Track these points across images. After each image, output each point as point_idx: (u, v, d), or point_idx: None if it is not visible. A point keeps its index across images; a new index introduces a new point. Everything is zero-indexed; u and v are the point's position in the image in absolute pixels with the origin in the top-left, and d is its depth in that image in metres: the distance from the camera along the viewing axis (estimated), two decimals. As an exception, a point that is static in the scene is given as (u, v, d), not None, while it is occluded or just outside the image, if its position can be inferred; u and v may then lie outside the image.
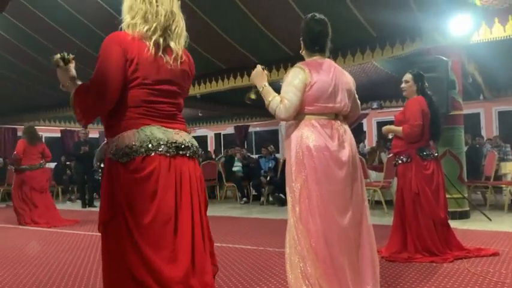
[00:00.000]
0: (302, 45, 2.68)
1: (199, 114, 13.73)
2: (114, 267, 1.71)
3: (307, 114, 2.53)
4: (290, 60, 7.40)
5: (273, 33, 7.04)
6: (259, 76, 2.64)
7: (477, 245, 4.23)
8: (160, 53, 1.76)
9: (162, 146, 1.72)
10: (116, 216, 1.69)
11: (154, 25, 1.76)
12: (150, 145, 1.70)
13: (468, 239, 4.49)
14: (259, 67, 2.63)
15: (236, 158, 10.47)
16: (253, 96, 2.66)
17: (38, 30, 7.76)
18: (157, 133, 1.74)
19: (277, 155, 10.68)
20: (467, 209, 6.10)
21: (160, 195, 1.69)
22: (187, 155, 1.80)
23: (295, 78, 2.51)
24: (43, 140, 14.40)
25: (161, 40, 1.76)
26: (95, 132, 14.13)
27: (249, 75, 8.67)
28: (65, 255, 4.57)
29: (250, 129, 16.33)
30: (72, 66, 1.88)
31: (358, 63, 7.19)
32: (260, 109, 13.05)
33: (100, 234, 1.79)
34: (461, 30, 5.86)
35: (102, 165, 1.80)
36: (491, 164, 7.48)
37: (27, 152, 7.13)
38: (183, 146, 1.78)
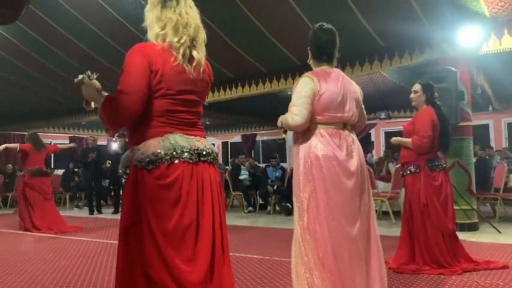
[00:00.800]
0: (310, 55, 2.69)
1: (207, 122, 13.78)
2: (129, 272, 1.74)
3: (315, 124, 2.53)
4: (298, 69, 7.40)
5: (282, 42, 7.06)
6: (280, 118, 2.68)
7: (486, 258, 4.18)
8: (185, 64, 1.81)
9: (186, 154, 1.78)
10: (140, 221, 1.73)
11: (185, 37, 1.82)
12: (174, 153, 1.76)
13: (477, 251, 4.43)
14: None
15: (243, 167, 10.47)
16: (284, 136, 2.75)
17: (48, 37, 7.84)
18: (181, 141, 1.79)
19: (283, 165, 10.67)
20: (476, 220, 6.04)
21: (183, 202, 1.75)
22: (208, 161, 1.86)
23: (303, 87, 2.52)
24: (52, 147, 14.50)
25: (188, 51, 1.82)
26: (103, 139, 14.22)
27: (257, 84, 8.76)
28: (71, 262, 4.58)
29: (258, 138, 16.34)
30: (97, 83, 1.91)
31: (366, 73, 7.18)
32: (267, 118, 13.16)
33: (118, 240, 1.82)
34: (471, 41, 5.84)
35: (127, 171, 1.83)
36: (500, 175, 7.41)
37: (32, 157, 7.18)
38: (204, 153, 1.84)
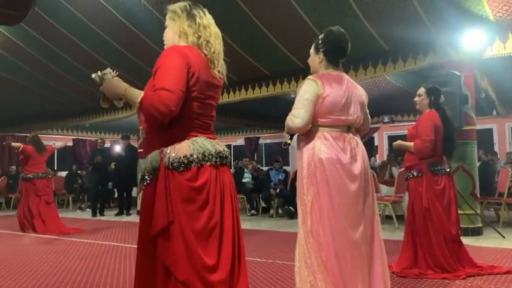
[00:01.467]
0: (321, 56, 2.62)
1: (210, 125, 13.79)
2: (152, 276, 1.78)
3: (319, 126, 2.52)
4: (302, 72, 7.40)
5: (285, 45, 7.07)
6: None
7: (490, 262, 4.16)
8: (216, 71, 1.91)
9: (212, 157, 1.84)
10: (173, 222, 1.76)
11: (218, 47, 1.93)
12: (204, 156, 1.81)
13: (481, 256, 4.41)
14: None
15: (246, 170, 10.46)
16: (289, 141, 2.71)
17: (52, 39, 7.86)
18: (207, 144, 1.85)
19: (286, 168, 10.65)
20: (480, 225, 6.00)
21: (210, 204, 1.80)
22: (226, 164, 1.93)
23: (306, 89, 2.52)
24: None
25: (219, 60, 1.93)
26: (106, 141, 14.26)
27: (260, 86, 8.72)
28: (74, 263, 4.58)
29: (261, 141, 16.34)
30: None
31: (370, 76, 7.16)
32: (271, 121, 13.14)
33: (139, 244, 1.86)
34: (475, 45, 5.83)
35: (156, 173, 1.83)
36: (504, 180, 7.37)
37: (34, 160, 7.24)
38: (223, 156, 1.90)
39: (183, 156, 1.78)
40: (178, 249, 1.73)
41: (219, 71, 1.93)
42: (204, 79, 1.85)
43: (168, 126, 1.80)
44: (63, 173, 12.92)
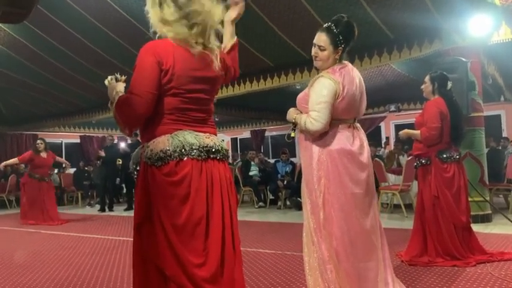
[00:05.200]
0: (340, 48, 2.48)
1: (216, 119, 13.80)
2: (144, 267, 1.78)
3: (333, 120, 2.48)
4: (306, 64, 7.37)
5: (289, 36, 7.03)
6: (290, 113, 2.63)
7: (500, 249, 4.14)
8: (199, 58, 1.81)
9: (194, 151, 1.80)
10: (151, 216, 1.76)
11: (195, 29, 1.80)
12: (183, 150, 1.78)
13: (491, 243, 4.39)
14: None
15: (253, 163, 10.46)
16: (293, 134, 2.67)
17: (59, 39, 7.89)
18: (190, 138, 1.81)
19: (293, 159, 10.64)
20: (490, 212, 5.98)
21: (192, 198, 1.76)
22: (218, 158, 1.87)
23: (323, 90, 2.43)
24: (63, 145, 14.70)
25: (201, 43, 1.82)
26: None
27: (265, 79, 8.64)
28: (85, 259, 4.62)
29: (267, 134, 16.32)
30: (122, 84, 1.96)
31: (375, 65, 7.10)
32: (276, 113, 13.09)
33: (133, 236, 1.86)
34: (481, 31, 5.74)
35: (138, 168, 1.87)
36: (513, 166, 7.31)
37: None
38: (213, 150, 1.85)
39: (160, 151, 1.77)
40: (162, 245, 1.73)
41: (202, 57, 1.81)
42: (184, 74, 1.79)
43: (150, 123, 1.82)
44: (72, 170, 13.01)
